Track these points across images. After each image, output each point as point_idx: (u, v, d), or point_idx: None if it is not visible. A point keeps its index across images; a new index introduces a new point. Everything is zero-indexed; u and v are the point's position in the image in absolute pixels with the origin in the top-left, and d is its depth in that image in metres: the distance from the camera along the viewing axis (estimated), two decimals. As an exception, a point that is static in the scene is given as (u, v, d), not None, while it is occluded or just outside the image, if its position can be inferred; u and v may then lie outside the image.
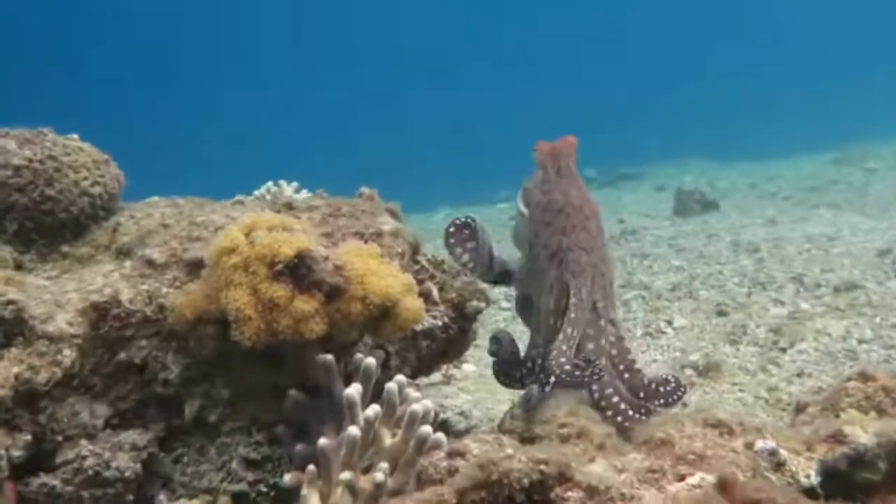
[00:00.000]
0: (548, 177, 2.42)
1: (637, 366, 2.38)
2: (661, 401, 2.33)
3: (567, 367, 2.17)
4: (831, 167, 12.75)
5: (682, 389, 2.38)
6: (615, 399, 2.27)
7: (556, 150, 2.45)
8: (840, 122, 17.28)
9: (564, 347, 2.22)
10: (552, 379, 2.17)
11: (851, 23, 32.69)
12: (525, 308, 2.53)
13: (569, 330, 2.25)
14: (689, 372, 3.92)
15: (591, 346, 2.29)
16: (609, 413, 2.24)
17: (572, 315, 2.26)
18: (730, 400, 3.60)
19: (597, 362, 2.20)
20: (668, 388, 2.36)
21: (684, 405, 3.51)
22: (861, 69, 27.11)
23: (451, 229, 2.47)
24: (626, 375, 2.34)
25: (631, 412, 2.25)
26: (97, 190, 2.55)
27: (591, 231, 2.36)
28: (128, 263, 2.42)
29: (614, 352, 2.35)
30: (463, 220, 2.49)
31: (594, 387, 2.25)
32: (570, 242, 2.33)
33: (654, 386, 2.36)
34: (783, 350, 4.17)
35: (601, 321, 2.31)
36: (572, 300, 2.28)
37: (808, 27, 33.89)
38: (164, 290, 2.33)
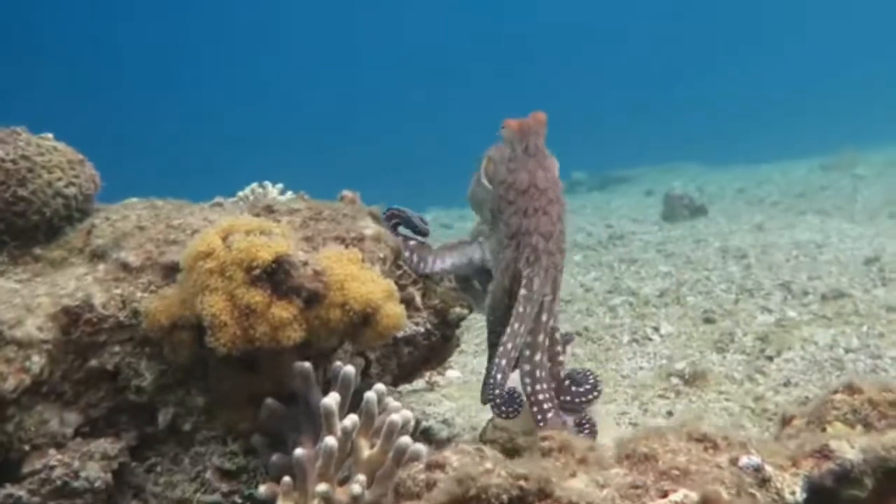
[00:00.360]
0: (514, 154, 2.35)
1: (561, 358, 2.38)
2: (569, 398, 2.30)
3: (498, 401, 2.18)
4: (820, 173, 12.82)
5: (595, 394, 2.32)
6: (540, 397, 2.26)
7: (524, 127, 2.36)
8: (829, 128, 17.44)
9: (510, 346, 2.23)
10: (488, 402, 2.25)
11: (842, 30, 32.99)
12: (466, 280, 2.56)
13: (515, 325, 2.24)
14: (675, 380, 3.89)
15: (529, 339, 2.28)
16: (531, 401, 2.25)
17: (521, 309, 2.25)
18: (716, 409, 3.57)
19: (520, 401, 2.21)
20: (581, 388, 2.32)
21: (669, 414, 3.49)
22: (851, 75, 27.37)
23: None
24: (549, 364, 2.33)
25: (550, 414, 2.23)
26: (72, 191, 2.47)
27: (552, 215, 2.31)
28: (101, 267, 2.35)
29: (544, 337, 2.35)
30: (385, 214, 2.50)
31: (527, 379, 2.27)
32: (529, 226, 2.29)
33: (567, 382, 2.34)
34: (770, 359, 4.15)
35: (543, 315, 2.29)
36: (523, 291, 2.26)
37: (799, 34, 34.17)
38: (139, 294, 2.26)
